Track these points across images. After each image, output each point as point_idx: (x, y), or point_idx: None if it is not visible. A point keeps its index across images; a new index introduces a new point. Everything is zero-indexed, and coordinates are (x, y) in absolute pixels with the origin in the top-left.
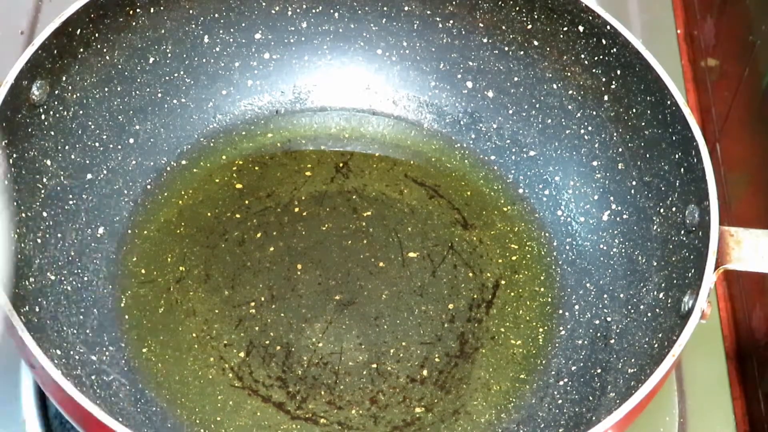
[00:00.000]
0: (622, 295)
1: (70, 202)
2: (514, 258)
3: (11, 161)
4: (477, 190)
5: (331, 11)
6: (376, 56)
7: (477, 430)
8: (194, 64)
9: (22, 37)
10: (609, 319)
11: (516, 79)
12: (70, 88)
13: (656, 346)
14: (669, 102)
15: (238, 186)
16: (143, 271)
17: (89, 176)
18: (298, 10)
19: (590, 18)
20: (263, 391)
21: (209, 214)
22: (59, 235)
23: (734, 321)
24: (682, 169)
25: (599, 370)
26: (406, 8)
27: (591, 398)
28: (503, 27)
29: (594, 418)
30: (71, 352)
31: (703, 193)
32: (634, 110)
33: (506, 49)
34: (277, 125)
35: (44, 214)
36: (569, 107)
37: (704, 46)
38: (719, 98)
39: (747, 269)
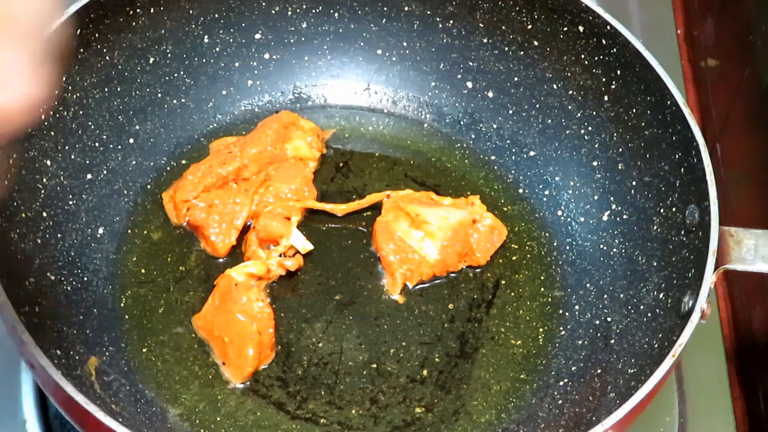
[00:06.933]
0: (622, 296)
1: (70, 202)
2: (514, 258)
3: (11, 161)
4: (477, 190)
5: (331, 11)
6: (376, 56)
7: (477, 430)
8: (194, 64)
9: None
10: (609, 319)
11: (516, 79)
12: (70, 88)
13: (656, 346)
14: (669, 102)
15: None
16: (143, 271)
17: (89, 176)
18: (298, 10)
19: (590, 18)
20: (263, 390)
21: None
22: (59, 235)
23: (734, 321)
24: (682, 169)
25: (599, 370)
26: (406, 8)
27: (591, 398)
28: (503, 27)
29: (594, 418)
30: (71, 352)
31: (703, 193)
32: (634, 110)
33: (506, 49)
34: None
35: (44, 214)
36: (569, 107)
37: (704, 46)
38: (719, 98)
39: (747, 269)
